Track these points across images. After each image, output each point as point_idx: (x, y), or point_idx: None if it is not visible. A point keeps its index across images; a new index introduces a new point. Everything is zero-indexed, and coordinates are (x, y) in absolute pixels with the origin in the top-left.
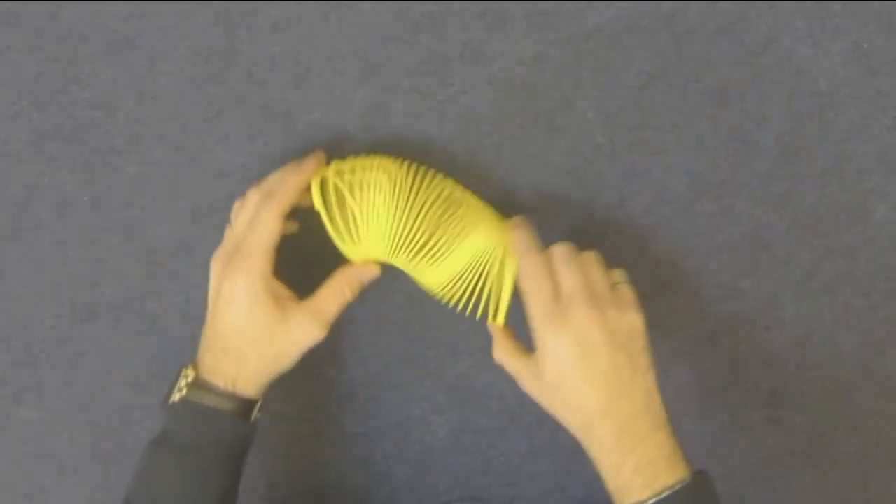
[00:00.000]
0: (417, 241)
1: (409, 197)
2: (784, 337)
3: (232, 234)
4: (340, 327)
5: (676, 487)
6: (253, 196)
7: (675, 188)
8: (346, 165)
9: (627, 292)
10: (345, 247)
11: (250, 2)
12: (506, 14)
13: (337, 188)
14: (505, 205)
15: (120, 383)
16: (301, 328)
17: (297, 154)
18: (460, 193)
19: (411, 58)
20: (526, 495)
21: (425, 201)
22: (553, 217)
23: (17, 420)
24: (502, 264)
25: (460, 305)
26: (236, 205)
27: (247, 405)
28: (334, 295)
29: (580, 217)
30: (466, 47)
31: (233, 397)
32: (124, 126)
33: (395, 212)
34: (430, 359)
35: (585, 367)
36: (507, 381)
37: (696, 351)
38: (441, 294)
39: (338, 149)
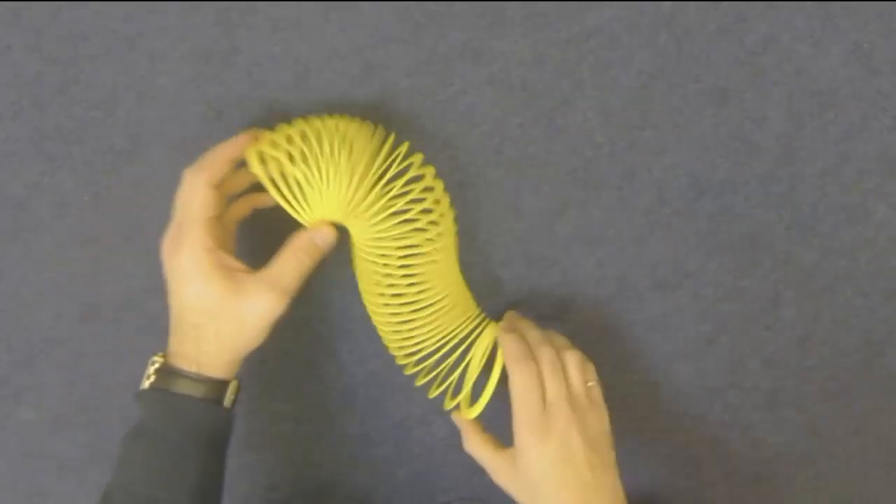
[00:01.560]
0: (365, 203)
1: (349, 157)
2: (784, 337)
3: (173, 217)
4: (341, 327)
5: None
6: (186, 174)
7: (675, 188)
8: (280, 136)
9: (597, 392)
10: (296, 214)
11: (250, 2)
12: (506, 14)
13: (276, 159)
14: (505, 204)
15: (120, 383)
16: (258, 299)
17: None
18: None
19: (411, 58)
20: None
21: (368, 163)
22: (553, 217)
23: (17, 420)
24: (477, 355)
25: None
26: None
27: (218, 388)
28: (290, 262)
29: (580, 217)
30: (466, 47)
31: (200, 379)
32: (124, 126)
33: (334, 173)
34: None
35: (566, 470)
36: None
37: (696, 351)
38: (405, 362)
39: None
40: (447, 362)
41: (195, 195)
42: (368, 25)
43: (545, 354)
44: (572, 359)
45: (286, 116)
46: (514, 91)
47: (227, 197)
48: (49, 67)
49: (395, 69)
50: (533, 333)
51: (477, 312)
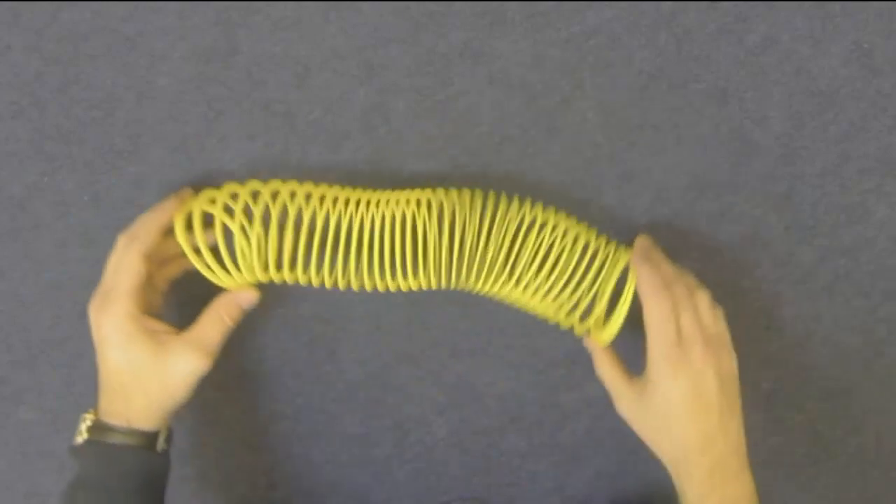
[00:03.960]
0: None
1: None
2: (784, 337)
3: (102, 280)
4: (341, 327)
5: None
6: (120, 241)
7: (675, 188)
8: (222, 193)
9: (728, 336)
10: (215, 278)
11: (250, 2)
12: (506, 14)
13: (205, 215)
14: None
15: None
16: (182, 360)
17: (296, 154)
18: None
19: (411, 58)
20: (526, 495)
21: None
22: None
23: (17, 420)
24: (611, 280)
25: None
26: None
27: (149, 437)
28: (213, 323)
29: (580, 217)
30: (466, 47)
31: (131, 432)
32: (124, 126)
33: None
34: (430, 359)
35: (695, 407)
36: (507, 381)
37: None
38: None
39: (338, 149)
40: (581, 288)
41: (125, 265)
42: (368, 25)
43: (680, 288)
44: (704, 298)
45: (286, 116)
46: (514, 91)
47: (160, 260)
48: (49, 67)
49: (395, 69)
50: (667, 267)
51: (599, 237)
